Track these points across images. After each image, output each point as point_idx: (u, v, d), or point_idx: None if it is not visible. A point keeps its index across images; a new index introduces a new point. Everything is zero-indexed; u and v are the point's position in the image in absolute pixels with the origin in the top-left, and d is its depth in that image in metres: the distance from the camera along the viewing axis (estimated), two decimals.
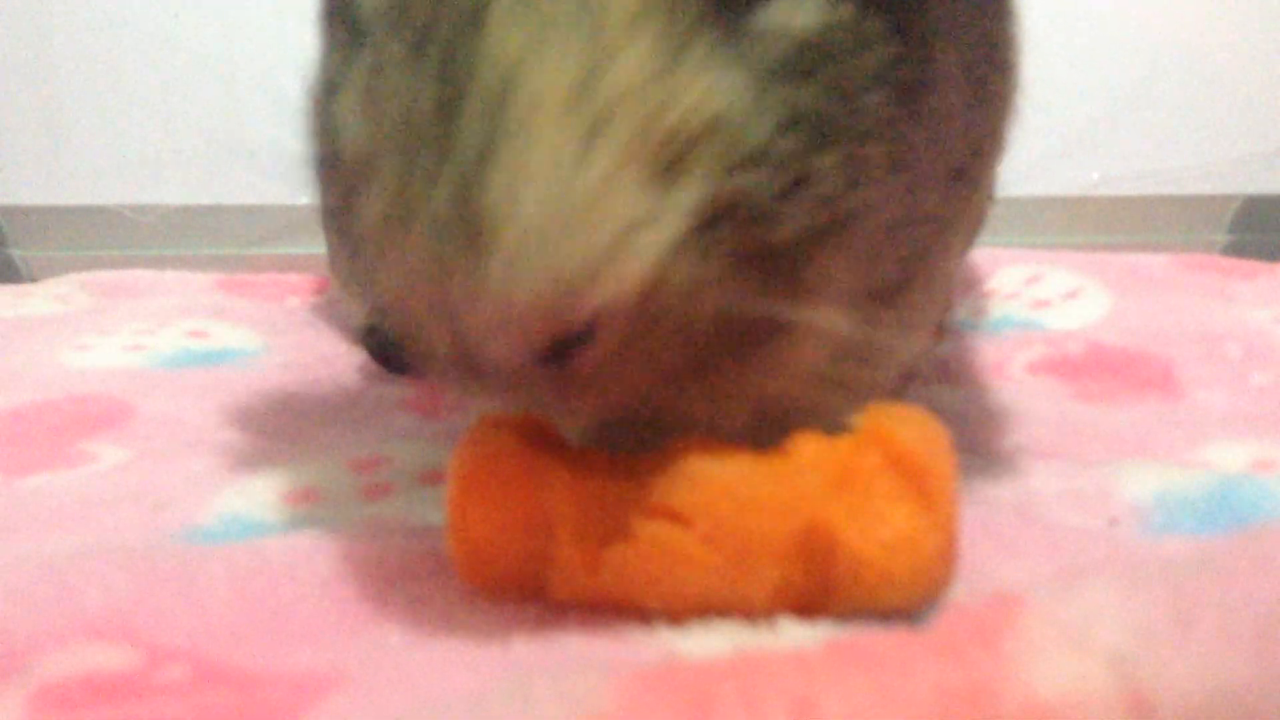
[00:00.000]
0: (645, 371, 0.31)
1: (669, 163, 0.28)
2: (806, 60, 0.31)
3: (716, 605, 0.33)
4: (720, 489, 0.33)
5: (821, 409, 0.39)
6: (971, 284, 0.85)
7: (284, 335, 0.82)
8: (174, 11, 1.16)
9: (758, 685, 0.24)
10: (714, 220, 0.29)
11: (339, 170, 0.32)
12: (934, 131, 0.36)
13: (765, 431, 0.37)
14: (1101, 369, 0.66)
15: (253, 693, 0.30)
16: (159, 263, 1.07)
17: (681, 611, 0.33)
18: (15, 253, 1.18)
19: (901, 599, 0.33)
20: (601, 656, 0.32)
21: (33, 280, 1.11)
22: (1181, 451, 0.50)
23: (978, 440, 0.53)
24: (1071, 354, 0.69)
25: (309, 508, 0.45)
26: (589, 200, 0.27)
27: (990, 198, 0.62)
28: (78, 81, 1.16)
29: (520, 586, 0.35)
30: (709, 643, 0.32)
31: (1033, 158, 1.11)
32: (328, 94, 0.34)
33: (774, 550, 0.33)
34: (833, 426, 0.36)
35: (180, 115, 1.17)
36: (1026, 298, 0.83)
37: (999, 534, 0.40)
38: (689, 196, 0.29)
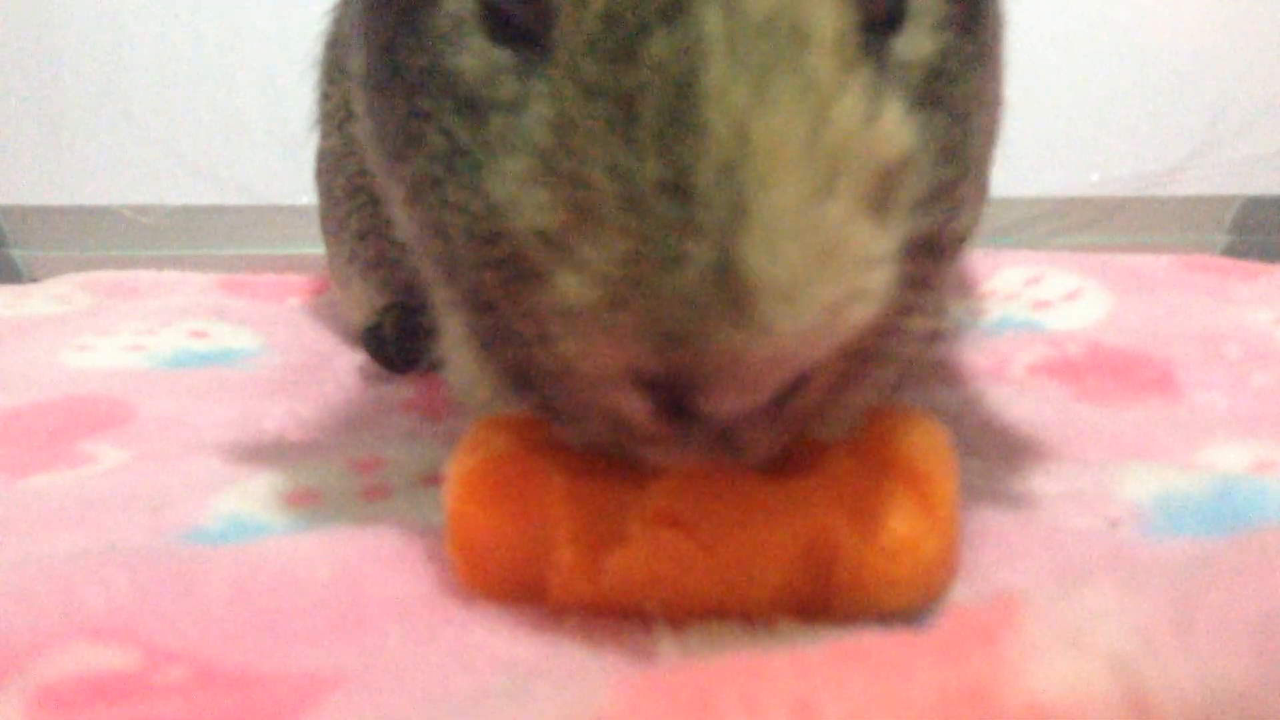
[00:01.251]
0: (828, 399, 0.32)
1: (882, 202, 0.29)
2: (936, 87, 0.32)
3: (717, 611, 0.33)
4: (721, 494, 0.33)
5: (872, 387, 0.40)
6: (971, 284, 0.85)
7: (284, 335, 0.82)
8: (174, 12, 1.16)
9: (758, 686, 0.24)
10: (907, 255, 0.30)
11: (498, 246, 0.31)
12: (990, 124, 0.38)
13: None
14: (1102, 370, 0.66)
15: (253, 693, 0.30)
16: (159, 263, 1.08)
17: (682, 616, 0.33)
18: (15, 253, 1.18)
19: (902, 602, 0.33)
20: (601, 657, 0.32)
21: (33, 280, 1.11)
22: (1182, 453, 0.50)
23: (978, 441, 0.53)
24: (1072, 355, 0.68)
25: (309, 508, 0.45)
26: (836, 244, 0.28)
27: (985, 196, 0.62)
28: (78, 81, 1.16)
29: (519, 590, 0.35)
30: (709, 644, 0.32)
31: (1033, 158, 1.11)
32: (448, 171, 0.33)
33: (775, 557, 0.33)
34: (859, 411, 0.37)
35: (180, 115, 1.17)
36: (1027, 298, 0.83)
37: (1000, 535, 0.40)
38: (900, 233, 0.30)
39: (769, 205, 0.27)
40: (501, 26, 0.33)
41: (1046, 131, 1.13)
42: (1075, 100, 1.17)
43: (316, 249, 0.81)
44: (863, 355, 0.31)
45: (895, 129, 0.30)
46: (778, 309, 0.27)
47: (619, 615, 0.33)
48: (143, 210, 1.17)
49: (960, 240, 0.35)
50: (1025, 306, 0.82)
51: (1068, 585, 0.27)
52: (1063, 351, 0.69)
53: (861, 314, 0.28)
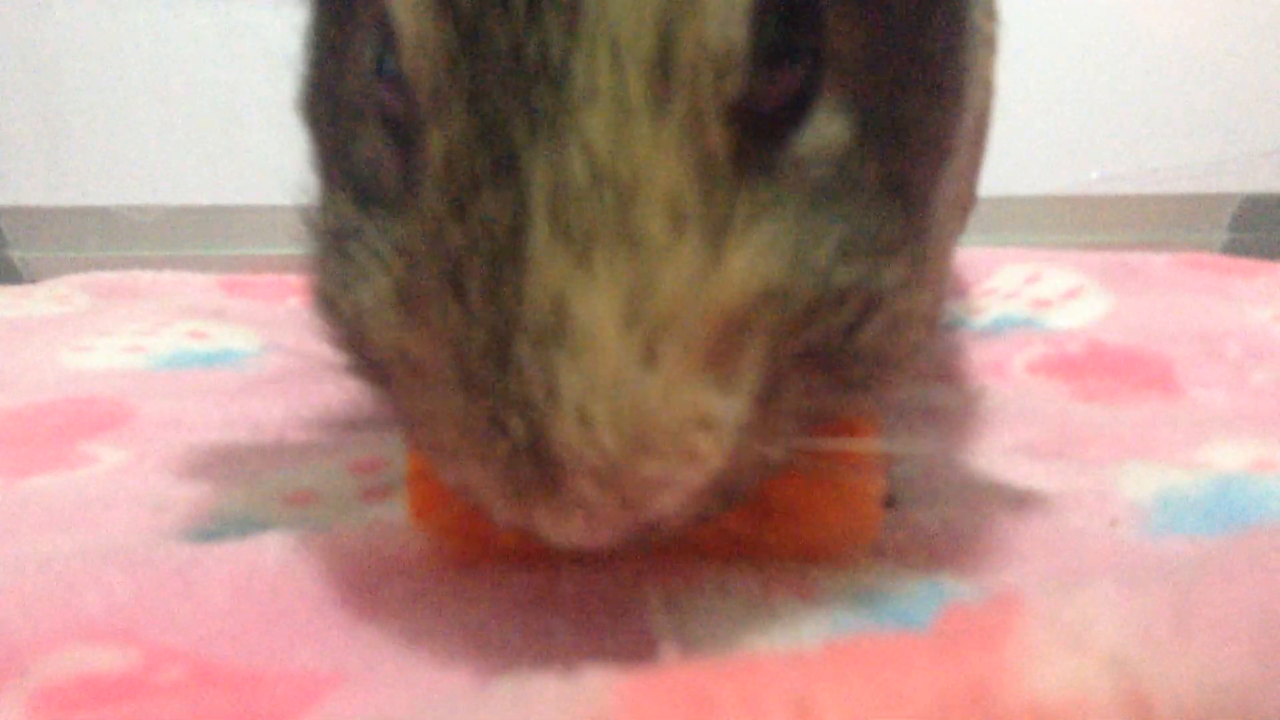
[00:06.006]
0: (712, 506, 0.30)
1: (726, 348, 0.27)
2: (850, 170, 0.30)
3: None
4: None
5: None
6: (971, 283, 0.85)
7: (284, 336, 0.82)
8: (174, 12, 1.16)
9: (757, 685, 0.24)
10: (780, 380, 0.28)
11: (362, 338, 0.32)
12: (954, 165, 0.35)
13: None
14: (1101, 368, 0.66)
15: (253, 693, 0.30)
16: (159, 263, 1.08)
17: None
18: (15, 253, 1.18)
19: (832, 521, 0.34)
20: (601, 656, 0.32)
21: (33, 281, 1.11)
22: (1182, 451, 0.50)
23: (976, 441, 0.53)
24: (1071, 353, 0.69)
25: (309, 509, 0.45)
26: (657, 416, 0.26)
27: (973, 196, 0.62)
28: (78, 81, 1.16)
29: (472, 532, 0.35)
30: (708, 642, 0.32)
31: (1033, 157, 1.11)
32: (339, 239, 0.32)
33: None
34: None
35: (180, 115, 1.17)
36: (1026, 297, 0.83)
37: (1000, 535, 0.40)
38: (750, 375, 0.28)
39: (581, 383, 0.25)
40: (390, 122, 0.31)
41: (1047, 131, 1.13)
42: (1076, 99, 1.17)
43: None
44: (736, 486, 0.29)
45: (748, 266, 0.27)
46: (590, 490, 0.26)
47: (618, 612, 0.33)
48: (143, 210, 1.17)
49: (907, 315, 0.31)
50: (1025, 305, 0.82)
51: (1067, 584, 0.27)
52: (1062, 350, 0.69)
53: (696, 477, 0.27)
